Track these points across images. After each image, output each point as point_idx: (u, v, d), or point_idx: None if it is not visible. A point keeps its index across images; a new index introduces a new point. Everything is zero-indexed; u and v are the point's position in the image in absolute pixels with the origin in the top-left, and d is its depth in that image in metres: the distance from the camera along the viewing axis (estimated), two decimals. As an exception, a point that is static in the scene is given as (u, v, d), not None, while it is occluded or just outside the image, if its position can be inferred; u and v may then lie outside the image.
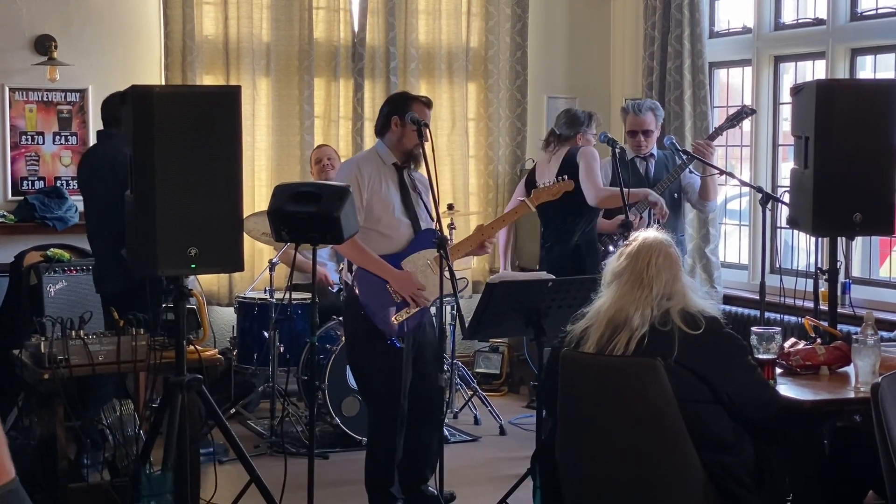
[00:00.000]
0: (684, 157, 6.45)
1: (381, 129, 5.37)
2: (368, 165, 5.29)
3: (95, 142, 6.44)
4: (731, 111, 6.78)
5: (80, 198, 7.31)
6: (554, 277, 5.05)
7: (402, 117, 5.21)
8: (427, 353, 5.35)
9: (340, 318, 6.70)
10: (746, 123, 7.54)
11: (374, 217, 5.23)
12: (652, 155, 6.69)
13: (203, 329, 5.00)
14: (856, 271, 6.90)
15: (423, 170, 5.32)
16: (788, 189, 5.28)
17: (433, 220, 5.32)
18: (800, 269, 6.38)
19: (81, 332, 4.64)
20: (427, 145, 5.08)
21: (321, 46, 7.87)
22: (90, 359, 4.58)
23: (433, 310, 5.43)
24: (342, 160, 7.45)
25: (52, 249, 6.71)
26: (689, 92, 7.72)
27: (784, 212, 5.98)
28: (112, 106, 5.87)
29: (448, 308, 6.90)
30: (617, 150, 5.80)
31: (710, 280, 7.57)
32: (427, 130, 5.09)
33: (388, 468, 5.29)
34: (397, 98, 5.48)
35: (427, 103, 5.34)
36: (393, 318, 5.21)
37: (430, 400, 5.34)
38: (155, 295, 4.72)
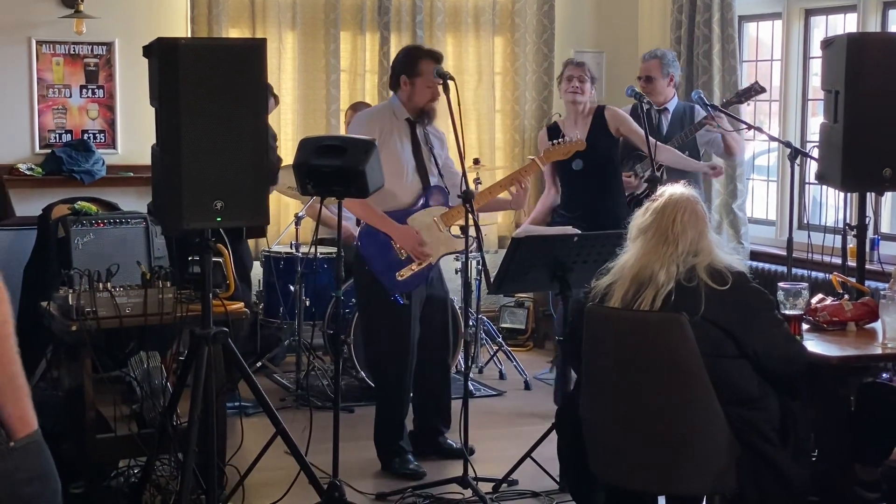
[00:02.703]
0: (711, 110, 6.42)
1: (392, 86, 5.40)
2: (381, 120, 5.33)
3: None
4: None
5: (107, 151, 7.38)
6: (579, 232, 5.04)
7: (410, 77, 5.22)
8: (435, 307, 5.40)
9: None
10: (776, 78, 7.49)
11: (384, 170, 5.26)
12: (667, 109, 6.66)
13: (229, 282, 5.01)
14: (885, 227, 6.84)
15: (442, 126, 5.33)
16: (817, 144, 5.23)
17: (440, 175, 5.35)
18: (828, 224, 6.33)
19: (109, 284, 4.66)
20: (453, 100, 5.05)
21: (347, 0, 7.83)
22: (117, 311, 4.60)
23: (458, 264, 5.45)
24: None
25: (79, 202, 6.72)
26: (717, 46, 7.64)
27: (813, 167, 5.92)
28: None
29: (473, 263, 6.90)
30: (644, 105, 5.77)
31: (737, 236, 7.53)
32: (448, 84, 5.02)
33: (396, 422, 5.41)
34: (404, 56, 5.41)
35: (436, 57, 5.31)
36: (397, 275, 5.27)
37: (438, 352, 5.41)
38: (185, 248, 4.73)
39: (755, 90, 6.49)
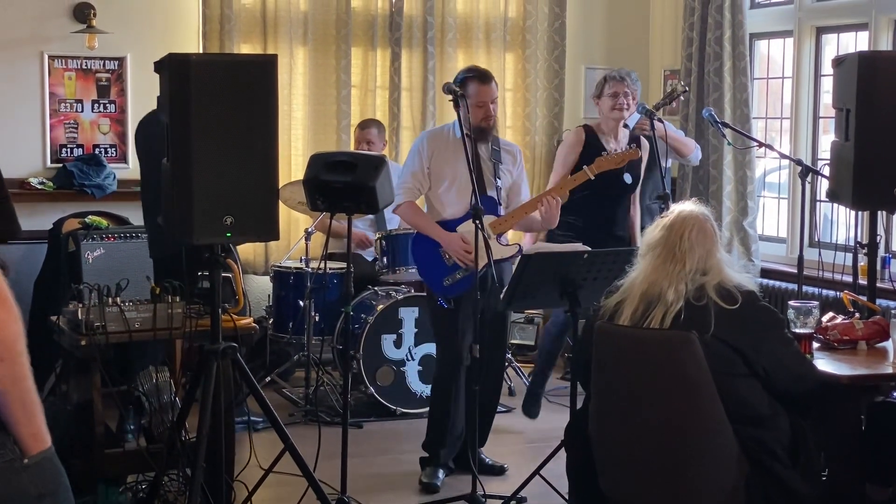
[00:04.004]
0: (721, 128, 6.57)
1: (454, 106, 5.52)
2: (435, 137, 5.57)
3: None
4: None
5: (119, 166, 7.40)
6: (589, 249, 5.03)
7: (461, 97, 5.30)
8: (493, 318, 5.41)
9: (376, 288, 6.74)
10: (787, 96, 7.49)
11: (436, 185, 5.49)
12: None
13: (238, 297, 5.01)
14: (896, 246, 6.83)
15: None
16: (829, 162, 5.23)
17: (498, 188, 5.47)
18: (839, 242, 6.31)
19: (118, 298, 4.67)
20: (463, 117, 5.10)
21: (359, 16, 7.85)
22: (126, 326, 4.61)
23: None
24: (386, 136, 7.49)
25: (90, 217, 6.75)
26: (728, 63, 7.63)
27: (824, 185, 5.92)
28: None
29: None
30: (655, 121, 5.79)
31: (748, 253, 7.52)
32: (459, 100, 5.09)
33: (439, 426, 5.49)
34: (458, 76, 5.55)
35: (482, 78, 5.45)
36: (445, 280, 5.43)
37: (491, 366, 5.44)
38: (193, 263, 4.74)
39: (677, 91, 6.78)
